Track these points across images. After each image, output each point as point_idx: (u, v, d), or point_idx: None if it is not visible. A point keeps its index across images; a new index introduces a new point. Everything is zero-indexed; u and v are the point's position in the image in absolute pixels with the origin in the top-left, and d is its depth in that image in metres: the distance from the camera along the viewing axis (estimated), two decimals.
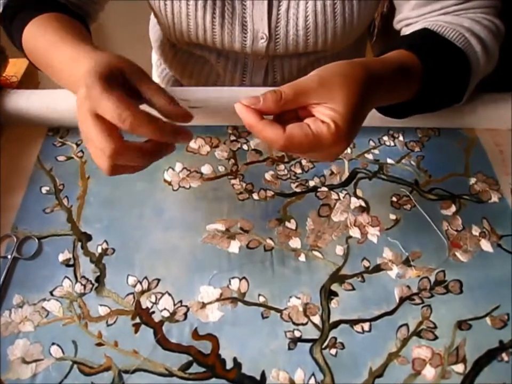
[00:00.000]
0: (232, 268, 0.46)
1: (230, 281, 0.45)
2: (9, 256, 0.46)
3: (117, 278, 0.45)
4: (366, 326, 0.43)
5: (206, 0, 0.59)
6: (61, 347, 0.41)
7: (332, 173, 0.55)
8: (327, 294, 0.45)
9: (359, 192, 0.53)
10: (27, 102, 0.56)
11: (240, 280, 0.45)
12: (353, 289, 0.45)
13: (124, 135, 0.38)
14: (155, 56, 0.85)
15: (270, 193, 0.53)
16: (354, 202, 0.52)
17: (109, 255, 0.47)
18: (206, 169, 0.55)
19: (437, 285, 0.45)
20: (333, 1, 0.60)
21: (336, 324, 0.43)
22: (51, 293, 0.44)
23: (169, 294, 0.44)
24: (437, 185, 0.54)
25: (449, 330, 0.42)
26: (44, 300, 0.44)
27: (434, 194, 0.53)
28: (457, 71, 0.52)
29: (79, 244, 0.48)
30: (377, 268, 0.46)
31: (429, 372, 0.40)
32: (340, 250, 0.48)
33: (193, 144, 0.57)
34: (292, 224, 0.50)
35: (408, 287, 0.45)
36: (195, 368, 0.40)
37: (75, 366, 0.40)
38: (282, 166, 0.55)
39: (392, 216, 0.51)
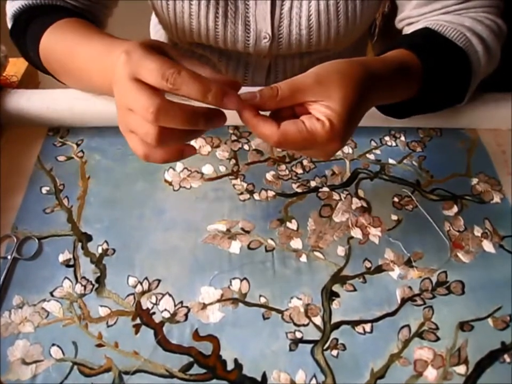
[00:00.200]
0: (233, 269, 0.46)
1: (231, 282, 0.45)
2: (9, 257, 0.46)
3: (117, 278, 0.45)
4: (367, 327, 0.42)
5: None
6: (61, 348, 0.41)
7: (333, 173, 0.55)
8: (329, 295, 0.44)
9: (360, 193, 0.53)
10: (27, 102, 0.56)
11: (241, 280, 0.45)
12: (355, 290, 0.45)
13: None
14: None
15: (271, 193, 0.52)
16: (356, 202, 0.52)
17: (109, 256, 0.47)
18: (207, 169, 0.55)
19: (439, 285, 0.45)
20: (336, 1, 0.59)
21: (337, 325, 0.43)
22: (51, 294, 0.44)
23: (170, 295, 0.44)
24: (439, 186, 0.53)
25: (451, 332, 0.42)
26: (44, 300, 0.44)
27: (436, 194, 0.53)
28: (457, 70, 0.52)
29: (80, 244, 0.47)
30: (379, 269, 0.46)
31: (431, 373, 0.40)
32: (341, 251, 0.48)
33: (194, 144, 0.57)
34: (293, 225, 0.50)
35: (410, 288, 0.45)
36: (196, 369, 0.40)
37: (75, 367, 0.40)
38: (283, 166, 0.55)
39: (394, 217, 0.50)
